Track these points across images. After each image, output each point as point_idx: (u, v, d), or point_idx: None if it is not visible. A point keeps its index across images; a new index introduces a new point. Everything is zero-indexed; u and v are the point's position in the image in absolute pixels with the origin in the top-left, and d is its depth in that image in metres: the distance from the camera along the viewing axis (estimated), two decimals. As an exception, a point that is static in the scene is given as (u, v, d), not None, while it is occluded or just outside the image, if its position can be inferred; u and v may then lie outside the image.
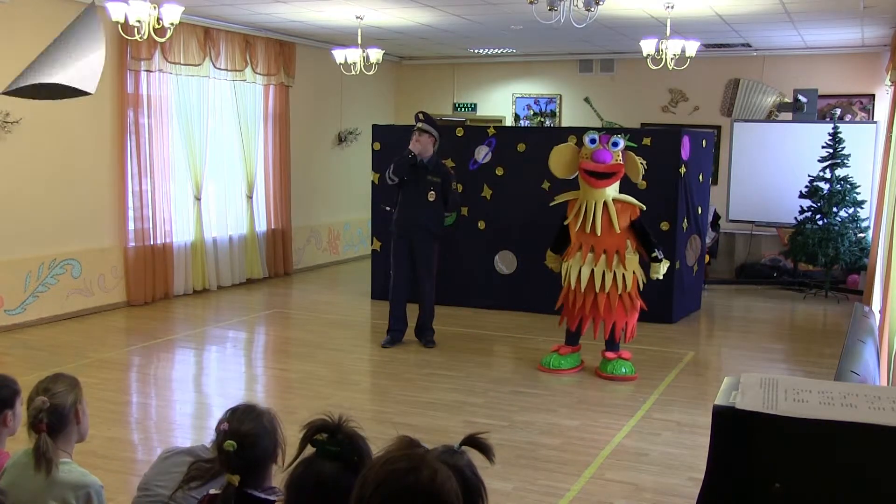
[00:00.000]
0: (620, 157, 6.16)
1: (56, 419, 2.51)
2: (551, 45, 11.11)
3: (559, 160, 6.45)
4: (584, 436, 5.21)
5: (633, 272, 6.27)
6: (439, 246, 7.41)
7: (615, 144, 6.16)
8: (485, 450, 2.00)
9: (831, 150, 9.76)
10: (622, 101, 11.91)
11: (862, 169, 9.87)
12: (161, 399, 6.05)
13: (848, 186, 9.68)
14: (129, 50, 8.49)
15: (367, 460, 1.95)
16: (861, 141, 9.97)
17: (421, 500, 1.53)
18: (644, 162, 6.24)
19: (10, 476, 2.53)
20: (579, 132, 8.65)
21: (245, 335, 8.22)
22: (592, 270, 6.23)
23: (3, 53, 7.39)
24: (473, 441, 2.00)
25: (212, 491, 2.25)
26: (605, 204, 6.18)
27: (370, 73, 9.73)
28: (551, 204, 6.72)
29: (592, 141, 6.21)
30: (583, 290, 6.26)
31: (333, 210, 12.03)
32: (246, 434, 2.25)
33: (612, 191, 6.24)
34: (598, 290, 6.21)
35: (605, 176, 6.12)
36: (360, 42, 9.34)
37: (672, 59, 8.36)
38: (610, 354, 6.41)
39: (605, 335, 6.42)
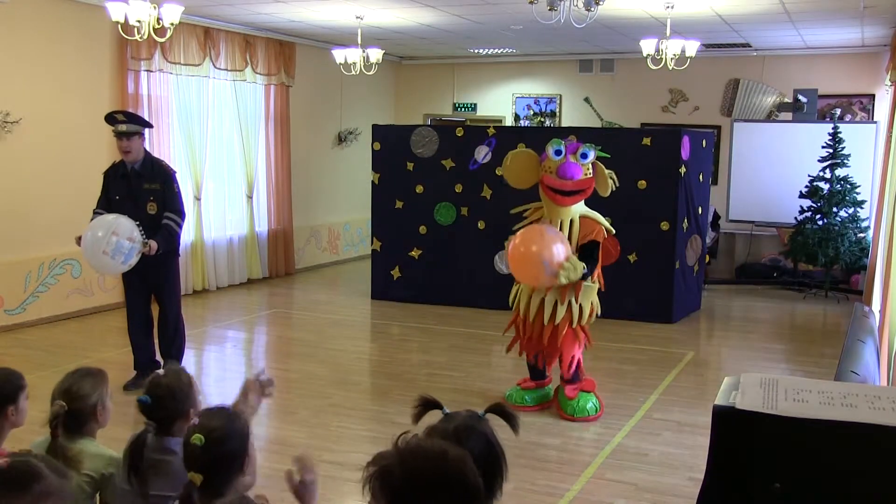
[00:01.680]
0: (591, 171, 5.30)
1: (74, 421, 2.57)
2: (551, 45, 11.11)
3: (515, 169, 5.48)
4: (584, 436, 5.22)
5: (592, 303, 5.44)
6: (175, 263, 6.13)
7: (584, 156, 5.25)
8: (509, 418, 2.11)
9: (831, 150, 9.76)
10: (622, 101, 11.91)
11: (862, 169, 9.87)
12: (161, 399, 6.05)
13: (848, 186, 9.68)
14: (129, 50, 8.49)
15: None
16: (861, 141, 9.96)
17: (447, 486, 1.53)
18: (614, 175, 5.41)
19: None
20: (579, 132, 8.68)
21: (245, 335, 8.22)
22: (543, 299, 5.35)
23: (3, 53, 7.41)
24: (499, 409, 2.11)
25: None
26: (570, 223, 5.33)
27: (370, 73, 9.73)
28: (512, 212, 5.85)
29: (558, 153, 5.24)
30: (531, 320, 5.43)
31: (333, 210, 12.03)
32: (213, 429, 2.19)
33: (578, 207, 5.39)
34: (545, 321, 5.35)
35: (571, 194, 5.26)
36: (360, 42, 9.34)
37: (672, 59, 8.36)
38: (570, 391, 5.53)
39: (548, 368, 5.72)
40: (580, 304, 5.35)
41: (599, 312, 5.59)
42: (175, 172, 6.01)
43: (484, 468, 1.94)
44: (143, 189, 5.73)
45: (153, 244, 5.52)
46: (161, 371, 2.64)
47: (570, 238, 5.26)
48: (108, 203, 5.81)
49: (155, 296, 6.10)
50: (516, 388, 5.81)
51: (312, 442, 4.96)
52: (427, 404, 2.16)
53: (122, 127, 5.66)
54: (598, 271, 5.42)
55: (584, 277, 5.15)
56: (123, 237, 5.33)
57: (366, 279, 9.74)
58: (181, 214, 5.87)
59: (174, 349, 6.10)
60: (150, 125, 6.15)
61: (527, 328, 5.50)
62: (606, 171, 5.35)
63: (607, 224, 5.46)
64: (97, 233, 5.33)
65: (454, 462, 1.55)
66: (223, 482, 2.16)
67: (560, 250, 4.99)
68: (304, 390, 6.06)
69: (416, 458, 1.55)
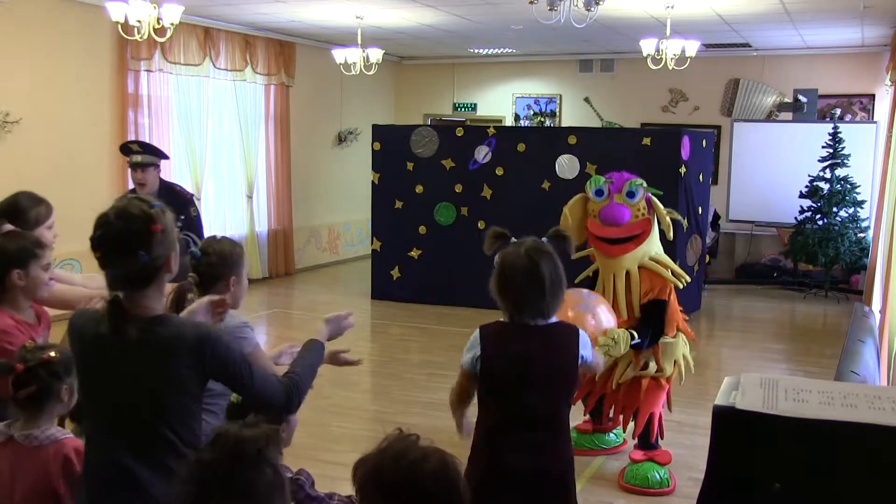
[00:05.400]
0: (645, 211, 4.30)
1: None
2: (551, 45, 11.11)
3: (575, 225, 4.38)
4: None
5: (677, 362, 4.51)
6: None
7: (631, 196, 4.26)
8: (565, 240, 2.61)
9: (831, 150, 9.76)
10: (622, 101, 11.91)
11: (862, 169, 9.87)
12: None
13: (848, 186, 9.68)
14: (129, 50, 8.48)
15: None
16: (861, 141, 9.96)
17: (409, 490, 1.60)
18: (672, 216, 4.40)
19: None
20: (579, 132, 8.68)
21: (245, 335, 8.21)
22: (617, 361, 4.32)
23: (3, 53, 7.41)
24: (556, 233, 2.62)
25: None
26: (627, 275, 4.27)
27: (370, 73, 9.73)
28: (574, 257, 3.80)
29: (598, 193, 4.30)
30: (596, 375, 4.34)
31: (333, 210, 12.03)
32: (210, 246, 2.92)
33: (637, 256, 4.30)
34: (615, 383, 4.41)
35: (620, 242, 4.26)
36: (360, 42, 9.34)
37: (672, 59, 8.36)
38: (636, 453, 4.53)
39: (624, 425, 4.79)
40: (662, 367, 4.41)
41: (693, 369, 4.72)
42: (192, 196, 5.80)
43: (552, 279, 2.49)
44: None
45: None
46: (217, 236, 3.04)
47: (628, 293, 4.26)
48: None
49: None
50: (574, 432, 4.71)
51: (312, 442, 4.96)
52: (498, 236, 2.58)
53: (138, 158, 5.37)
54: (681, 323, 4.53)
55: (636, 347, 4.11)
56: None
57: (366, 279, 9.73)
58: (201, 238, 5.58)
59: None
60: (166, 156, 5.86)
61: (592, 381, 4.52)
62: (664, 211, 4.34)
63: (674, 279, 4.31)
64: None
65: (427, 473, 1.60)
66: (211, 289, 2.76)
67: (602, 319, 3.86)
68: (304, 390, 6.06)
69: (389, 468, 1.61)
